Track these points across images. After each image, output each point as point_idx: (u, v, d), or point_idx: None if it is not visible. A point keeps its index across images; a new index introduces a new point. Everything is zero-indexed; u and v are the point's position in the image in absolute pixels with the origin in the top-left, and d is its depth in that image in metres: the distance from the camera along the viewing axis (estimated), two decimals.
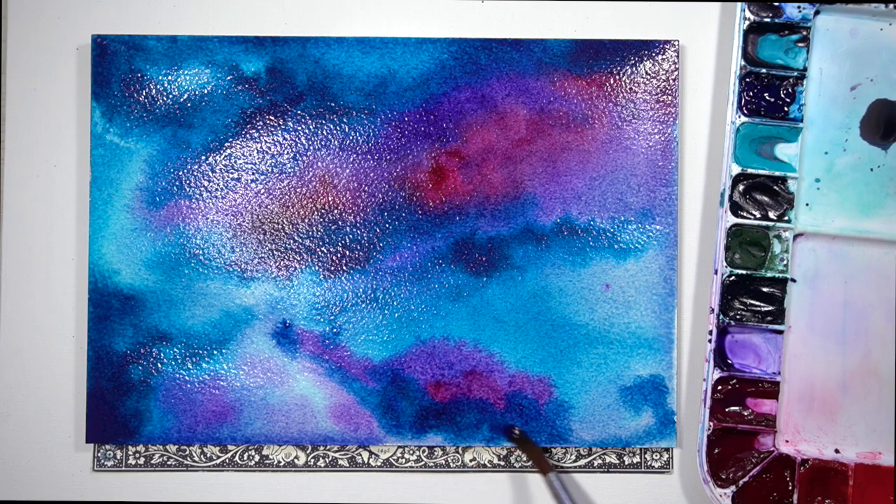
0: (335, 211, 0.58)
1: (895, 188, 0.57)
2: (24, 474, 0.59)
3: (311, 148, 0.58)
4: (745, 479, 0.56)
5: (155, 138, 0.58)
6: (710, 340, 0.56)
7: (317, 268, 0.58)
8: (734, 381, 0.56)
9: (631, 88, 0.58)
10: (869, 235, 0.57)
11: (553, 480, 0.54)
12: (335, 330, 0.58)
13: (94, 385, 0.57)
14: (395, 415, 0.58)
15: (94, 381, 0.57)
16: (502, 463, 0.58)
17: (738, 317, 0.56)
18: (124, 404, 0.57)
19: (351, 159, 0.58)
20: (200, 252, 0.58)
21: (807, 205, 0.57)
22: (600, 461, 0.58)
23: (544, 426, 0.57)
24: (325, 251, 0.58)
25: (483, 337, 0.58)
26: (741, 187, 0.57)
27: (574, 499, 0.54)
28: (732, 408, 0.56)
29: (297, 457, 0.58)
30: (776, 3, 0.56)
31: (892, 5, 0.56)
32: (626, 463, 0.58)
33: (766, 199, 0.57)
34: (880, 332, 0.57)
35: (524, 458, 0.57)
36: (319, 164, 0.58)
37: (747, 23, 0.56)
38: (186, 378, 0.58)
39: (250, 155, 0.58)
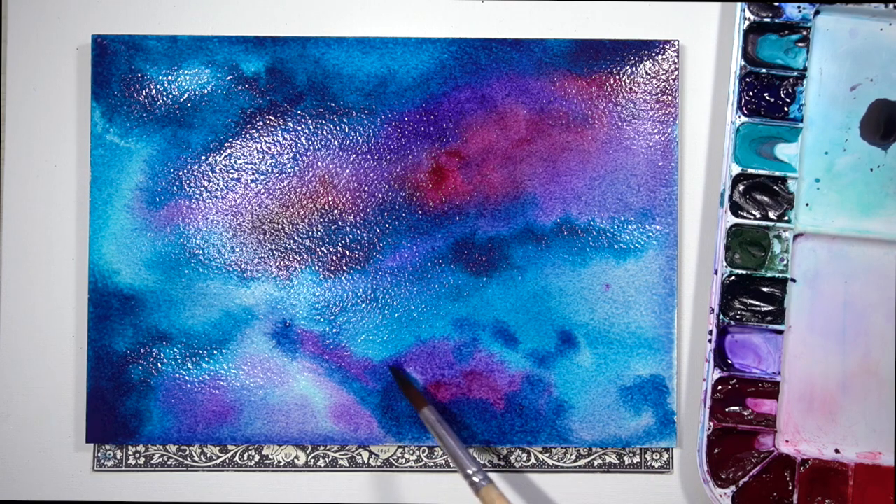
0: (335, 211, 0.58)
1: (895, 188, 0.57)
2: (24, 474, 0.59)
3: (311, 148, 0.58)
4: (745, 479, 0.56)
5: (155, 138, 0.58)
6: (710, 340, 0.56)
7: (317, 268, 0.58)
8: (734, 381, 0.56)
9: (631, 88, 0.58)
10: (869, 235, 0.57)
11: (428, 415, 0.54)
12: (335, 330, 0.58)
13: (94, 385, 0.57)
14: (395, 415, 0.58)
15: (94, 381, 0.57)
16: (502, 463, 0.58)
17: (738, 317, 0.56)
18: (124, 404, 0.57)
19: (351, 159, 0.58)
20: (200, 252, 0.58)
21: (807, 205, 0.57)
22: (600, 461, 0.58)
23: (544, 426, 0.57)
24: (325, 251, 0.58)
25: (483, 337, 0.58)
26: (741, 187, 0.57)
27: (448, 431, 0.53)
28: (732, 408, 0.56)
29: (297, 457, 0.58)
30: (776, 3, 0.56)
31: (892, 5, 0.56)
32: (626, 463, 0.58)
33: (766, 199, 0.57)
34: (880, 332, 0.57)
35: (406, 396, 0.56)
36: (319, 164, 0.58)
37: (747, 23, 0.56)
38: (186, 378, 0.58)
39: (250, 155, 0.58)
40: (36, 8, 0.59)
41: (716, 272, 0.56)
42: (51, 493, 0.59)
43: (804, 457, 0.56)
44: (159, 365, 0.58)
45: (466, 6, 0.60)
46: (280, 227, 0.58)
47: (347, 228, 0.58)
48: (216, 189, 0.58)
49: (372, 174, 0.58)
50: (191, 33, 0.59)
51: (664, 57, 0.58)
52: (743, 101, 0.56)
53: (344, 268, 0.58)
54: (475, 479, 0.50)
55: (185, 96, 0.58)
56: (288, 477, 0.59)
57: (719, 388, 0.56)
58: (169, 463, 0.58)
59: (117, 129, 0.58)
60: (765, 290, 0.56)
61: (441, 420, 0.53)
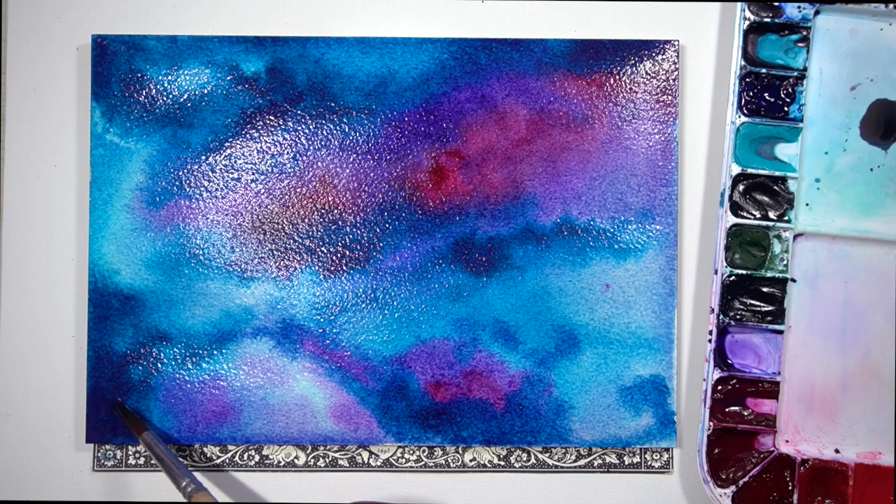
0: (335, 211, 0.58)
1: (895, 188, 0.57)
2: (24, 474, 0.59)
3: (311, 148, 0.58)
4: (745, 479, 0.56)
5: (155, 138, 0.58)
6: (710, 340, 0.56)
7: (317, 268, 0.58)
8: (734, 381, 0.56)
9: (631, 88, 0.58)
10: (869, 235, 0.57)
11: (147, 438, 0.55)
12: (335, 330, 0.58)
13: (94, 385, 0.57)
14: (394, 415, 0.58)
15: (94, 381, 0.57)
16: (502, 463, 0.58)
17: (738, 317, 0.56)
18: (124, 404, 0.57)
19: (351, 159, 0.58)
20: (200, 252, 0.58)
21: (807, 205, 0.57)
22: (600, 461, 0.58)
23: (544, 426, 0.57)
24: (325, 251, 0.58)
25: (483, 337, 0.58)
26: (741, 187, 0.57)
27: (164, 451, 0.55)
28: (732, 408, 0.56)
29: (297, 457, 0.58)
30: (776, 3, 0.56)
31: (892, 5, 0.56)
32: (626, 463, 0.58)
33: (766, 199, 0.57)
34: (880, 332, 0.57)
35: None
36: (319, 164, 0.58)
37: (747, 23, 0.56)
38: (186, 378, 0.58)
39: (250, 155, 0.58)
40: (36, 8, 0.59)
41: (716, 272, 0.56)
42: (51, 493, 0.59)
43: (804, 457, 0.56)
44: (159, 365, 0.58)
45: (466, 6, 0.60)
46: (280, 227, 0.58)
47: (347, 228, 0.58)
48: (216, 189, 0.58)
49: (372, 174, 0.58)
50: (191, 33, 0.59)
51: (664, 57, 0.58)
52: (743, 101, 0.56)
53: (344, 268, 0.58)
54: (188, 489, 0.52)
55: (185, 96, 0.58)
56: (288, 477, 0.59)
57: (719, 388, 0.56)
58: None
59: (117, 129, 0.58)
60: (765, 290, 0.56)
61: (159, 442, 0.55)
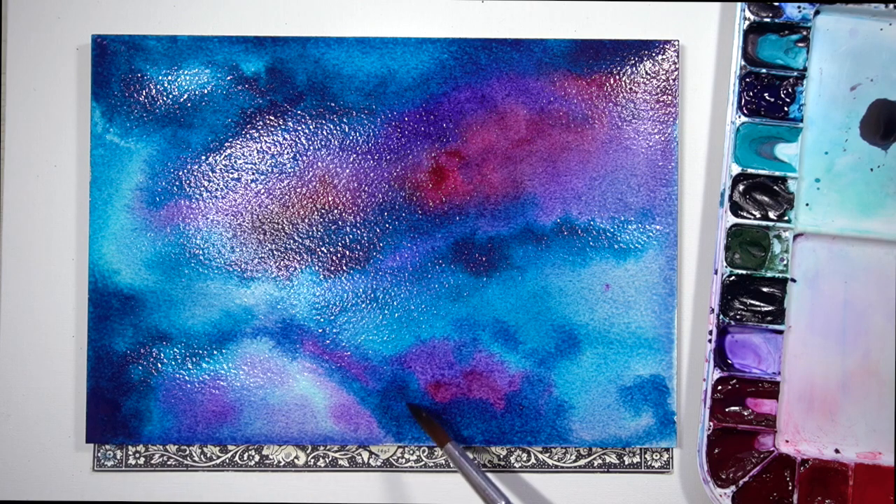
0: (335, 211, 0.58)
1: (895, 188, 0.57)
2: (24, 474, 0.59)
3: (311, 148, 0.58)
4: (745, 479, 0.56)
5: (155, 138, 0.58)
6: (710, 340, 0.56)
7: (317, 268, 0.58)
8: (734, 381, 0.56)
9: (631, 88, 0.58)
10: (869, 235, 0.57)
11: (452, 451, 0.54)
12: (335, 330, 0.58)
13: (94, 385, 0.57)
14: (394, 415, 0.58)
15: (94, 381, 0.57)
16: (502, 463, 0.58)
17: (738, 317, 0.56)
18: (124, 404, 0.57)
19: (351, 159, 0.58)
20: (200, 252, 0.58)
21: (807, 205, 0.57)
22: (600, 461, 0.58)
23: (544, 426, 0.57)
24: (325, 251, 0.58)
25: (483, 337, 0.58)
26: (741, 187, 0.57)
27: (473, 467, 0.53)
28: (732, 408, 0.56)
29: (297, 457, 0.58)
30: (776, 3, 0.56)
31: (892, 5, 0.56)
32: (626, 463, 0.58)
33: (766, 199, 0.57)
34: (880, 332, 0.57)
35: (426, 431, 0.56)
36: (319, 164, 0.58)
37: (747, 23, 0.56)
38: (186, 378, 0.58)
39: (250, 155, 0.58)
40: (36, 8, 0.59)
41: (716, 272, 0.56)
42: (51, 493, 0.59)
43: (804, 457, 0.56)
44: (159, 365, 0.58)
45: (466, 6, 0.60)
46: (280, 227, 0.58)
47: (347, 228, 0.58)
48: (216, 189, 0.58)
49: (372, 174, 0.58)
50: (191, 33, 0.59)
51: (664, 57, 0.58)
52: (743, 101, 0.56)
53: (344, 268, 0.58)
54: None
55: (185, 96, 0.58)
56: (288, 477, 0.59)
57: (719, 388, 0.56)
58: (169, 463, 0.58)
59: (117, 129, 0.58)
60: (765, 290, 0.56)
61: (464, 454, 0.54)
